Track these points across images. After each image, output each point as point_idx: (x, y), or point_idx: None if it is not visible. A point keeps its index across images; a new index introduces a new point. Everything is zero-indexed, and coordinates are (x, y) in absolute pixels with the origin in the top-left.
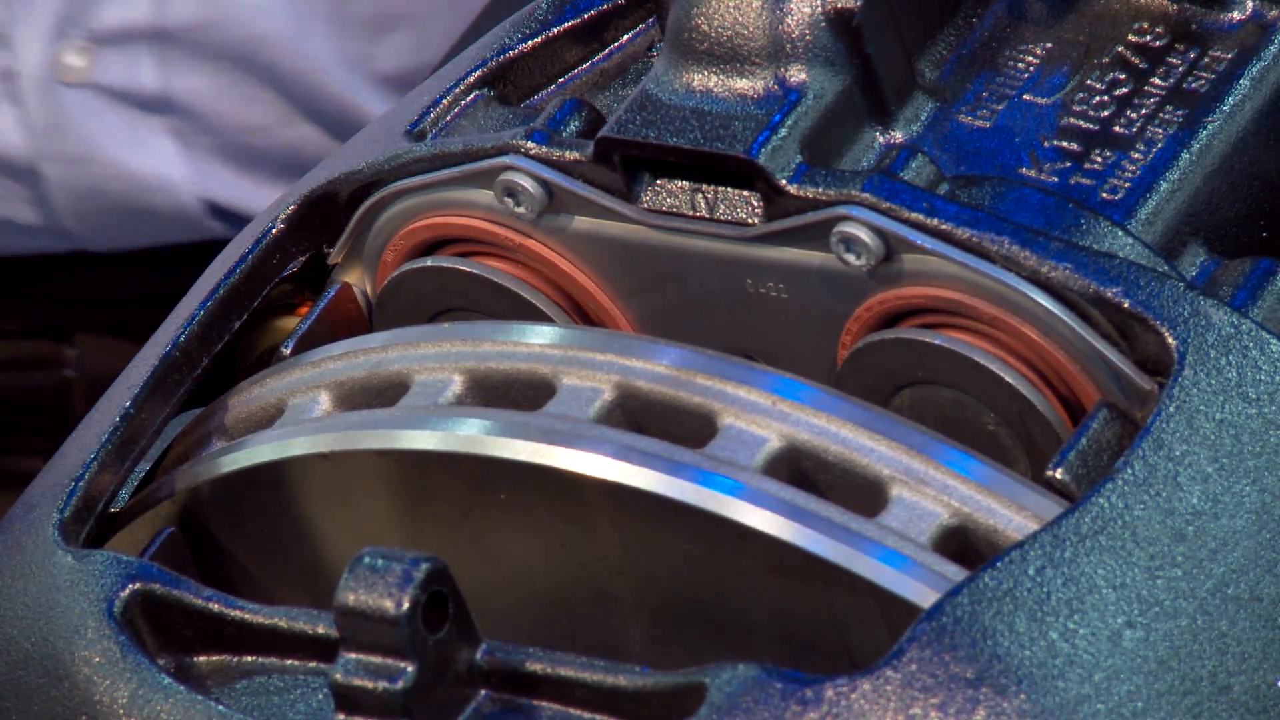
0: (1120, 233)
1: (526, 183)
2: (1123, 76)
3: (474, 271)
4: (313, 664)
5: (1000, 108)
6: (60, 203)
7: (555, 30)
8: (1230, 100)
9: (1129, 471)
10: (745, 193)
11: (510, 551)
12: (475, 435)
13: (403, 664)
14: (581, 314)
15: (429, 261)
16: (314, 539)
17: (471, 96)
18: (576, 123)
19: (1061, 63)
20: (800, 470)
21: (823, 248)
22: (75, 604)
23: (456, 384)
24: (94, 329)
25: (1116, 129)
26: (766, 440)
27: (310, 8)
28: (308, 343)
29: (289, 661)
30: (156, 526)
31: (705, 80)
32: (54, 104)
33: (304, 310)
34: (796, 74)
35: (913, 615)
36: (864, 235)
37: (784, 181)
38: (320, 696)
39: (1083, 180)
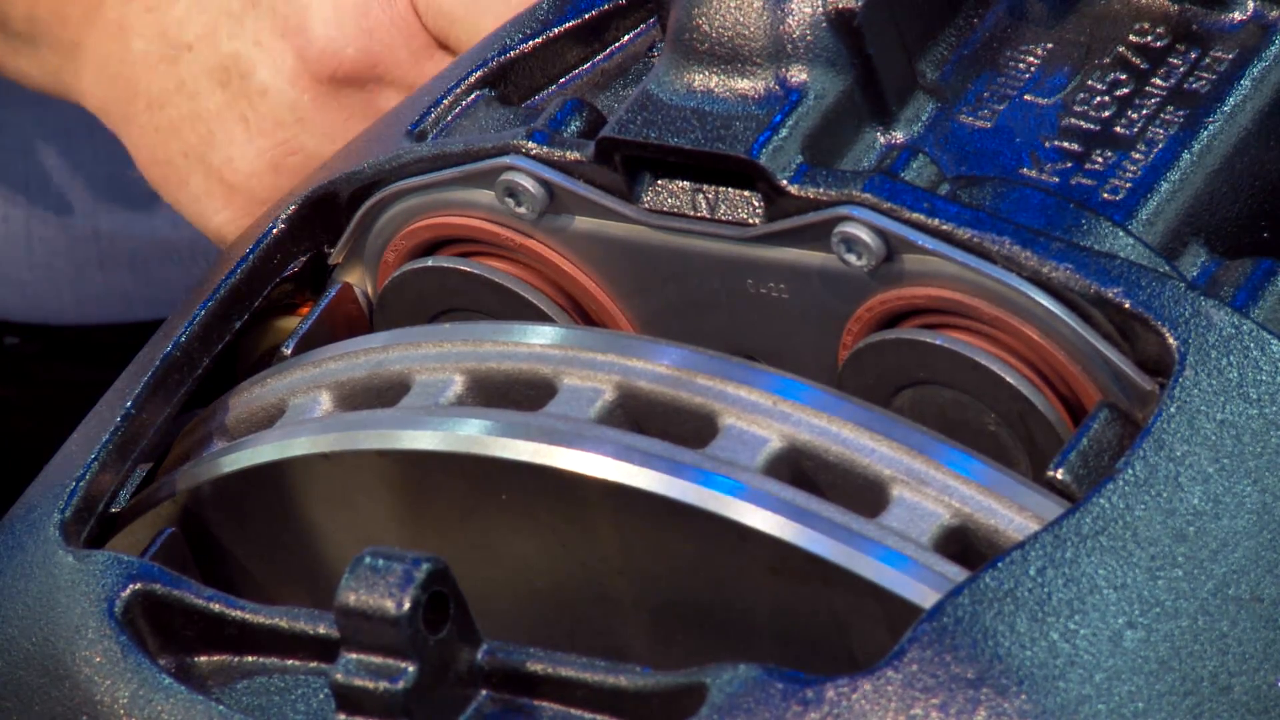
0: (1121, 233)
1: (527, 183)
2: (1124, 77)
3: (475, 272)
4: (314, 664)
5: (1001, 108)
6: None
7: (556, 30)
8: (1231, 101)
9: (1130, 472)
10: (746, 193)
11: (511, 551)
12: (476, 435)
13: (403, 664)
14: (582, 314)
15: (430, 262)
16: (315, 539)
17: (472, 97)
18: (577, 123)
19: (1062, 63)
20: (801, 470)
21: (824, 248)
22: (76, 604)
23: (457, 384)
24: None
25: (1117, 129)
26: (767, 440)
27: None
28: (308, 343)
29: (290, 661)
30: (157, 526)
31: (706, 80)
32: None
33: (305, 310)
34: (797, 74)
35: (913, 615)
36: (865, 235)
37: (785, 182)
38: (321, 697)
39: (1084, 180)
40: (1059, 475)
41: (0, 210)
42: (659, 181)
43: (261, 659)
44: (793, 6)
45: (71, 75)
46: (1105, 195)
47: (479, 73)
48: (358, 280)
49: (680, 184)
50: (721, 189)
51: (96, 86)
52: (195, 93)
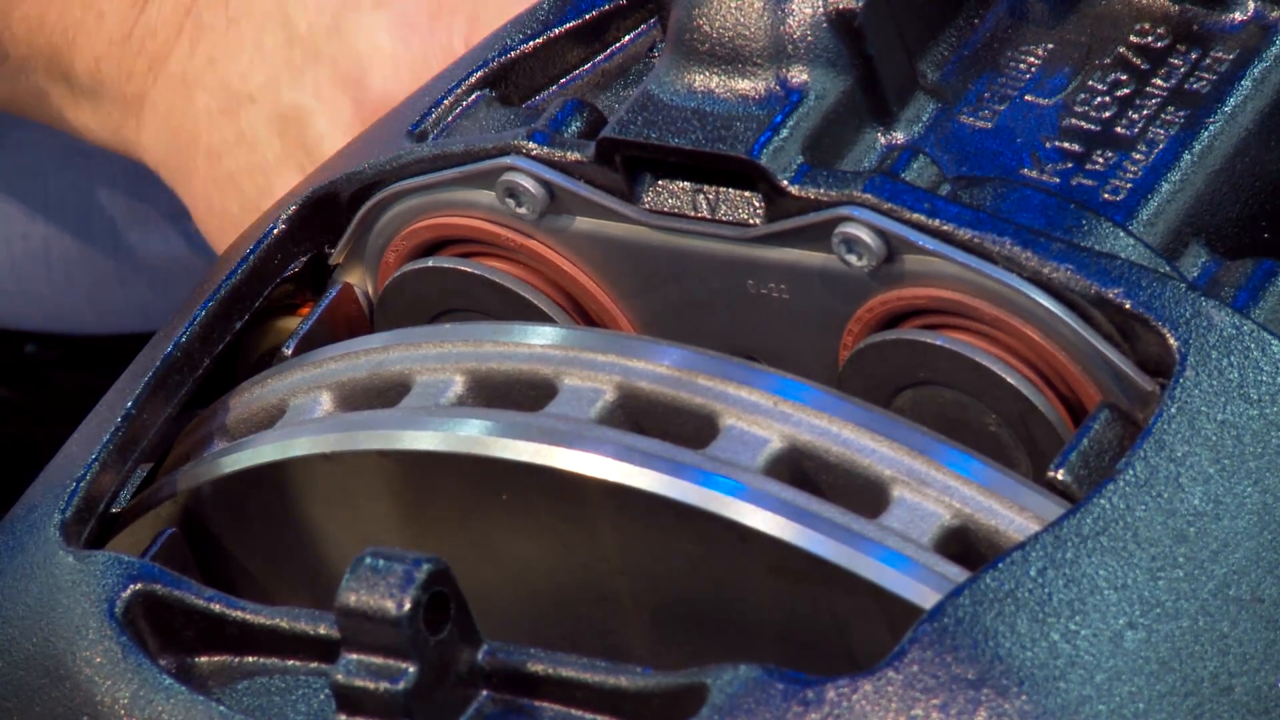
0: (1122, 234)
1: (528, 183)
2: (1124, 77)
3: (475, 272)
4: (314, 665)
5: (1002, 108)
6: None
7: (557, 31)
8: (1232, 101)
9: (1130, 472)
10: (747, 193)
11: (512, 552)
12: (477, 436)
13: (404, 665)
14: (583, 314)
15: (430, 262)
16: (315, 539)
17: (473, 97)
18: (578, 123)
19: (1063, 63)
20: (802, 471)
21: (824, 248)
22: (77, 604)
23: (458, 384)
24: None
25: (1118, 130)
26: (768, 441)
27: None
28: (309, 343)
29: (290, 662)
30: (158, 527)
31: (707, 81)
32: None
33: (305, 311)
34: (798, 75)
35: (914, 616)
36: (865, 236)
37: (785, 182)
38: (321, 697)
39: (1084, 181)
40: (1059, 476)
41: (21, 228)
42: (659, 182)
43: (262, 659)
44: (793, 7)
45: (132, 130)
46: (1106, 196)
47: (479, 73)
48: (358, 280)
49: (681, 184)
50: (722, 189)
51: (157, 141)
52: (254, 143)
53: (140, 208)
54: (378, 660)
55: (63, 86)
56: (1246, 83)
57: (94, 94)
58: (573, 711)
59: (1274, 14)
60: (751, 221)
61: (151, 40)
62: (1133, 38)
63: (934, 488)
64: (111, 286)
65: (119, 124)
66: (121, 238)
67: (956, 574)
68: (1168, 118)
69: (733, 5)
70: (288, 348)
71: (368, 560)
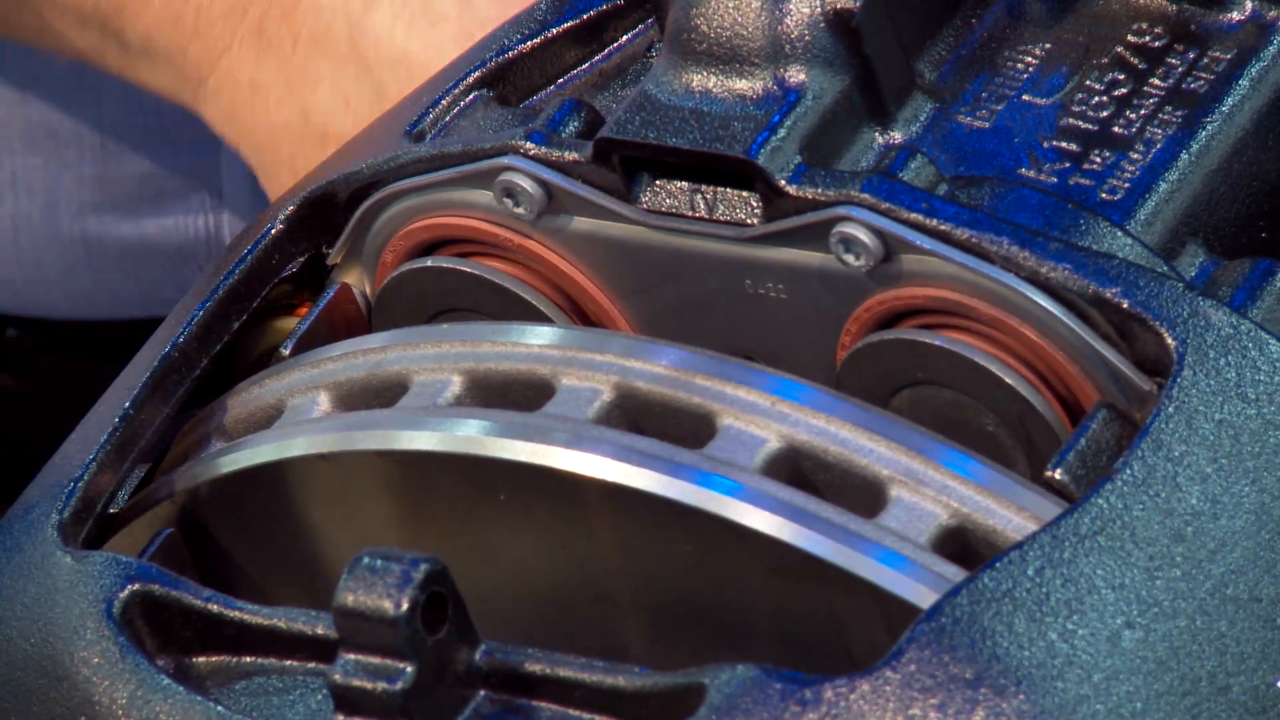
0: (1119, 233)
1: (525, 183)
2: (1122, 77)
3: (473, 272)
4: (312, 665)
5: (999, 108)
6: None
7: (554, 31)
8: (1229, 101)
9: (1128, 472)
10: (744, 193)
11: (509, 552)
12: (474, 436)
13: (402, 665)
14: (581, 314)
15: (428, 262)
16: (313, 540)
17: (471, 97)
18: (575, 123)
19: (1061, 63)
20: (799, 471)
21: (822, 248)
22: (74, 605)
23: (456, 384)
24: None
25: (1115, 129)
26: (766, 441)
27: None
28: (307, 343)
29: (288, 662)
30: (155, 527)
31: (704, 81)
32: None
33: (303, 311)
34: (796, 74)
35: (912, 616)
36: (863, 236)
37: (783, 182)
38: (319, 697)
39: (1082, 181)
40: (1057, 475)
41: None
42: (657, 182)
43: (260, 659)
44: (791, 7)
45: (190, 99)
46: (1103, 195)
47: (477, 73)
48: (356, 280)
49: (678, 184)
50: (720, 189)
51: (226, 125)
52: None
53: (109, 190)
54: (375, 660)
55: (117, 46)
56: (1244, 82)
57: (149, 57)
58: (570, 711)
59: (1271, 13)
60: (749, 221)
61: (208, 30)
62: (1130, 37)
63: (931, 487)
64: (81, 270)
65: (177, 88)
66: (90, 220)
67: (954, 574)
68: (1165, 117)
69: (730, 5)
70: (285, 348)
71: (365, 560)
